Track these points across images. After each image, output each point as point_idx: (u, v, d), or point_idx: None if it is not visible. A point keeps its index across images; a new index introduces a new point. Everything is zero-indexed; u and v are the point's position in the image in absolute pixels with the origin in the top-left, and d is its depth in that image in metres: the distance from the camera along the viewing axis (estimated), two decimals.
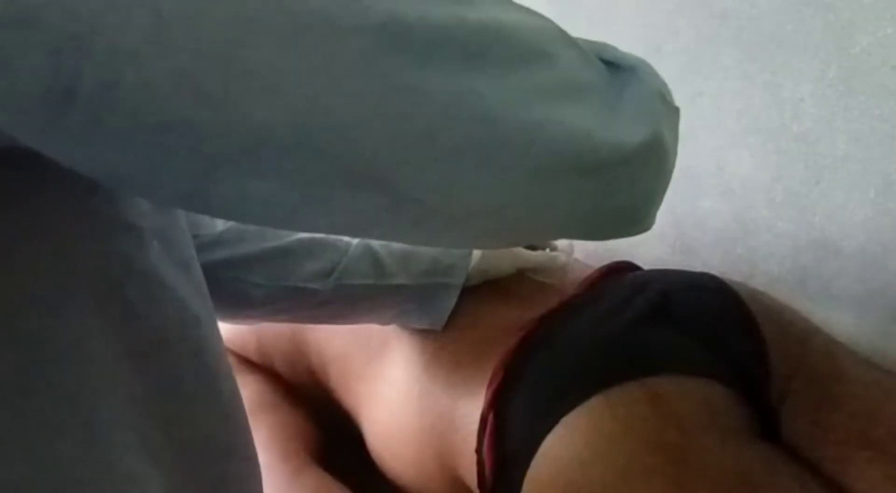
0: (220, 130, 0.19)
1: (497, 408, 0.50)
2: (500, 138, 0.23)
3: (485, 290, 0.64)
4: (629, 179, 0.28)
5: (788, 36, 0.57)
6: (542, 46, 0.25)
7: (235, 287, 0.51)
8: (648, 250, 0.81)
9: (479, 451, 0.50)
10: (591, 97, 0.27)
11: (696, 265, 0.70)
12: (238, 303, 0.52)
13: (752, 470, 0.42)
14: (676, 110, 0.34)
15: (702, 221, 0.73)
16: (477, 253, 0.63)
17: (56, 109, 0.17)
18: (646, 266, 0.69)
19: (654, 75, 0.32)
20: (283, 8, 0.18)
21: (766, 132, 0.63)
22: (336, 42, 0.19)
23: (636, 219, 0.31)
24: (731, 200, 0.69)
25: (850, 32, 0.52)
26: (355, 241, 0.58)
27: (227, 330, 0.64)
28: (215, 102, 0.18)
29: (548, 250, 0.69)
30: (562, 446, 0.45)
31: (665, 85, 0.33)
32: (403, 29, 0.20)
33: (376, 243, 0.59)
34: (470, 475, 0.52)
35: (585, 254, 0.86)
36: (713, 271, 0.61)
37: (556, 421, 0.45)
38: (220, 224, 0.53)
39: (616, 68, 0.30)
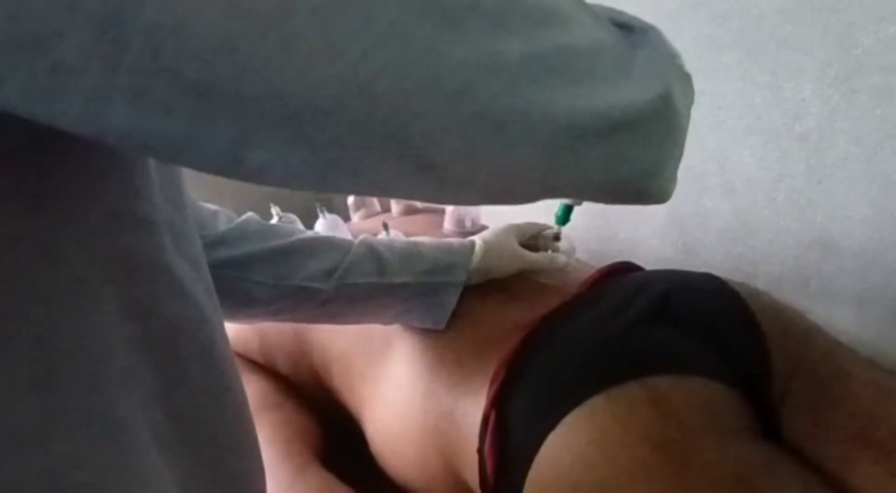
0: (261, 97, 0.19)
1: (498, 407, 0.50)
2: (521, 102, 0.23)
3: (486, 290, 0.64)
4: (642, 138, 0.29)
5: (789, 36, 0.57)
6: (558, 10, 0.25)
7: (238, 286, 0.51)
8: (650, 249, 0.81)
9: (480, 450, 0.50)
10: (606, 59, 0.27)
11: (698, 265, 0.70)
12: (240, 302, 0.52)
13: (752, 470, 0.42)
14: (688, 76, 0.34)
15: (703, 220, 0.73)
16: (478, 253, 0.63)
17: (101, 79, 0.18)
18: (648, 266, 0.69)
19: (666, 40, 0.33)
20: None
21: (768, 132, 0.63)
22: (371, 8, 0.20)
23: (651, 183, 0.31)
24: (732, 199, 0.69)
25: (851, 33, 0.52)
26: (357, 240, 0.58)
27: (231, 330, 0.64)
28: (256, 71, 0.19)
29: (549, 251, 0.69)
30: (563, 445, 0.45)
31: (676, 50, 0.33)
32: None
33: (379, 243, 0.59)
34: (472, 475, 0.52)
35: (587, 255, 0.86)
36: (715, 271, 0.60)
37: (557, 421, 0.46)
38: (223, 224, 0.53)
39: (629, 30, 0.31)
